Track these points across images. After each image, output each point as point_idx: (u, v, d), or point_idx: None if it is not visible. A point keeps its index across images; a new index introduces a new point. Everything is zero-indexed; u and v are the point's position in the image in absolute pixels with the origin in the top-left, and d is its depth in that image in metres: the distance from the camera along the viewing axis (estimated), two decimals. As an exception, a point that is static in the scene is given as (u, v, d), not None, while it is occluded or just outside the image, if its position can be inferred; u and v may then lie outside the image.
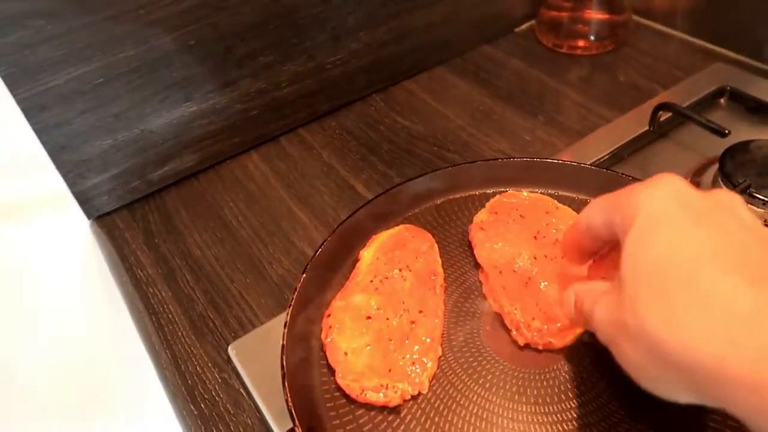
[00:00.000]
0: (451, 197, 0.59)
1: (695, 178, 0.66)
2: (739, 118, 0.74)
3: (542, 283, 0.47)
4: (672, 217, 0.31)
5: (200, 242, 0.69)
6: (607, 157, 0.69)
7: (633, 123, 0.73)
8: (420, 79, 0.90)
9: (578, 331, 0.44)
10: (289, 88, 0.79)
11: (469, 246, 0.53)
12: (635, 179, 0.55)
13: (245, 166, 0.78)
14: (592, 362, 0.44)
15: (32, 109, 0.62)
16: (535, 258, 0.49)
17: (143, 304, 0.62)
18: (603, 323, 0.34)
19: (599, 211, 0.37)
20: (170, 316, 0.61)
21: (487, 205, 0.54)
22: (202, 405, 0.53)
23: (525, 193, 0.55)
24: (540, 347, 0.45)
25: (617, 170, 0.56)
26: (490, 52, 0.94)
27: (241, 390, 0.54)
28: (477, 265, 0.52)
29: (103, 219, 0.73)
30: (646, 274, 0.30)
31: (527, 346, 0.45)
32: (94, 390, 0.75)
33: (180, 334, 0.59)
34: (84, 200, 0.71)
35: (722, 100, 0.77)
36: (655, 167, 0.69)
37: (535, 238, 0.51)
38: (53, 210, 0.70)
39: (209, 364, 0.56)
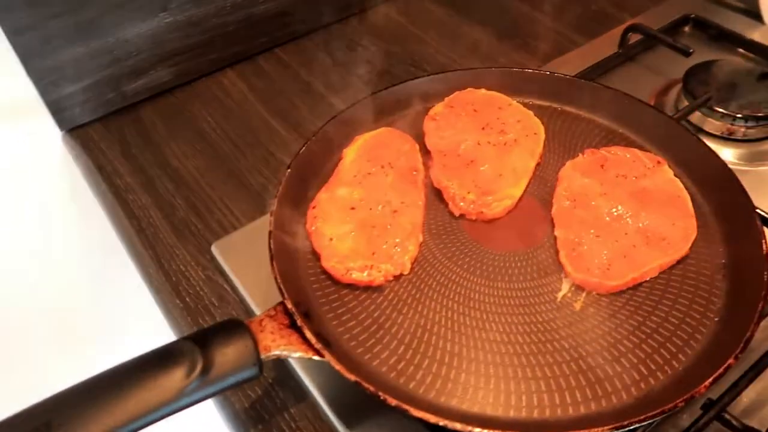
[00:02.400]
0: (429, 105, 0.60)
1: (660, 99, 0.70)
2: (701, 44, 0.77)
3: (483, 166, 0.50)
4: None
5: (179, 154, 0.69)
6: (578, 76, 0.71)
7: (603, 46, 0.75)
8: (397, 4, 0.90)
9: (508, 202, 0.49)
10: (266, 5, 0.78)
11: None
12: (606, 86, 0.58)
13: (221, 82, 0.78)
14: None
15: (1, 9, 0.60)
16: (478, 144, 0.52)
17: (123, 210, 0.63)
18: None
19: None
20: (151, 220, 0.62)
21: (446, 99, 0.57)
22: (187, 299, 0.55)
23: (483, 90, 0.57)
24: (474, 217, 0.49)
25: (589, 82, 0.59)
26: (466, -21, 0.94)
27: (225, 285, 0.55)
28: (429, 154, 0.54)
29: (76, 131, 0.72)
30: None
31: (462, 216, 0.50)
32: (74, 298, 0.76)
33: (162, 236, 0.60)
34: (57, 110, 0.69)
35: (686, 28, 0.79)
36: (623, 88, 0.72)
37: (483, 128, 0.54)
38: (25, 119, 0.69)
39: (192, 263, 0.57)
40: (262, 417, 0.46)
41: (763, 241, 0.43)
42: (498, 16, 0.86)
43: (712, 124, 0.63)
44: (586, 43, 0.78)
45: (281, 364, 0.49)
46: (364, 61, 0.80)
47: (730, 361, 0.36)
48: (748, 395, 0.44)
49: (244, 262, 0.55)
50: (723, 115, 0.62)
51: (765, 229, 0.44)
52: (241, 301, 0.54)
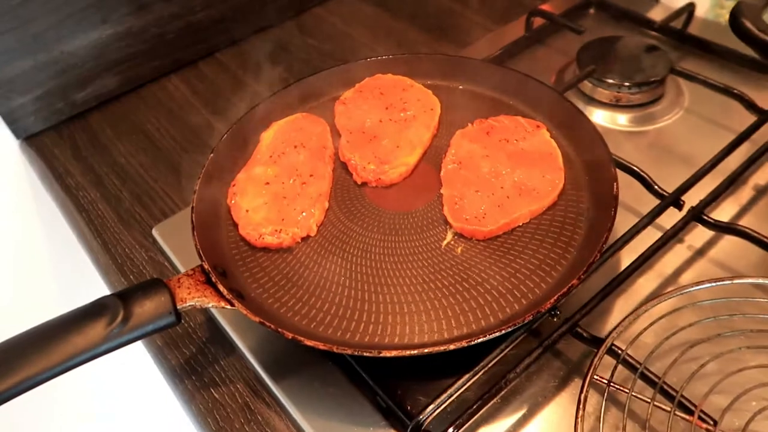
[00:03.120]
0: (342, 92, 0.66)
1: (560, 74, 0.77)
2: (605, 25, 0.84)
3: (384, 140, 0.58)
4: None
5: (125, 153, 0.75)
6: (489, 60, 0.78)
7: (513, 31, 0.82)
8: (329, 6, 0.97)
9: (402, 169, 0.56)
10: (203, 13, 0.85)
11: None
12: (494, 65, 0.65)
13: (165, 87, 0.84)
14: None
15: (-49, 29, 0.66)
16: (380, 121, 0.59)
17: (74, 204, 0.69)
18: None
19: None
20: (99, 212, 0.68)
21: (357, 85, 0.63)
22: (131, 277, 0.61)
23: (389, 75, 0.64)
24: (374, 184, 0.56)
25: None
26: (394, -21, 1.01)
27: (166, 263, 0.62)
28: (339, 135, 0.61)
29: (31, 139, 0.78)
30: None
31: (364, 184, 0.57)
32: (35, 285, 0.81)
33: (109, 225, 0.66)
34: (11, 121, 0.76)
35: (591, 10, 0.87)
36: (529, 67, 0.79)
37: (387, 108, 0.61)
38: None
39: (137, 246, 0.64)
40: (195, 369, 0.52)
41: (615, 183, 0.50)
42: (423, 11, 0.93)
43: (601, 93, 0.70)
44: (497, 29, 0.85)
45: (212, 324, 0.55)
46: (299, 60, 0.86)
47: (573, 281, 0.43)
48: (615, 317, 0.51)
49: (182, 241, 0.61)
50: (609, 85, 0.69)
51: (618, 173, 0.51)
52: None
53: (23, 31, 0.71)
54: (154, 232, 0.63)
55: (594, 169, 0.54)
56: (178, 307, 0.44)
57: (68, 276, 0.81)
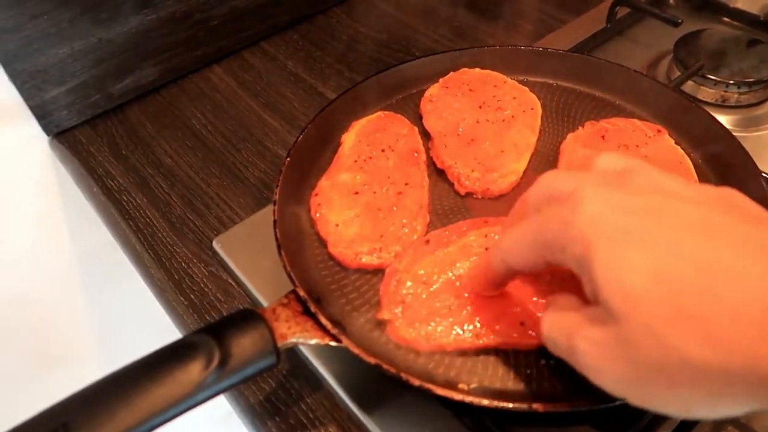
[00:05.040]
0: (423, 88, 0.59)
1: (651, 71, 0.70)
2: (687, 15, 0.77)
3: (484, 144, 0.51)
4: (634, 228, 0.27)
5: (170, 152, 0.67)
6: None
7: (590, 22, 0.75)
8: (379, -9, 0.89)
9: (513, 178, 0.49)
10: (249, -3, 0.77)
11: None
12: (600, 59, 0.58)
13: (208, 78, 0.77)
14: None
15: (-20, 11, 0.58)
16: (477, 122, 0.53)
17: (118, 211, 0.61)
18: (608, 371, 0.28)
19: (527, 252, 0.32)
20: (148, 220, 0.60)
21: (441, 80, 0.57)
22: (192, 296, 0.54)
23: (477, 70, 0.57)
24: (479, 195, 0.49)
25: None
26: (448, -37, 0.94)
27: (230, 280, 0.54)
28: (428, 136, 0.54)
29: (63, 135, 0.70)
30: (653, 304, 0.25)
31: (469, 194, 0.50)
32: (71, 305, 0.74)
33: (160, 235, 0.59)
34: (42, 115, 0.68)
35: (671, 0, 0.80)
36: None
37: (480, 107, 0.54)
38: (9, 125, 0.67)
39: (194, 260, 0.56)
40: (279, 409, 0.45)
41: (769, 201, 0.43)
42: (482, -1, 0.86)
43: (705, 92, 0.63)
44: (572, 20, 0.78)
45: (294, 354, 0.48)
46: (352, 50, 0.79)
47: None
48: None
49: (247, 255, 0.55)
50: (716, 83, 0.62)
51: (770, 188, 0.45)
52: (248, 294, 0.53)
53: (60, 16, 0.63)
54: (215, 245, 0.56)
55: (734, 183, 0.47)
56: (279, 345, 0.37)
57: (106, 292, 0.73)
